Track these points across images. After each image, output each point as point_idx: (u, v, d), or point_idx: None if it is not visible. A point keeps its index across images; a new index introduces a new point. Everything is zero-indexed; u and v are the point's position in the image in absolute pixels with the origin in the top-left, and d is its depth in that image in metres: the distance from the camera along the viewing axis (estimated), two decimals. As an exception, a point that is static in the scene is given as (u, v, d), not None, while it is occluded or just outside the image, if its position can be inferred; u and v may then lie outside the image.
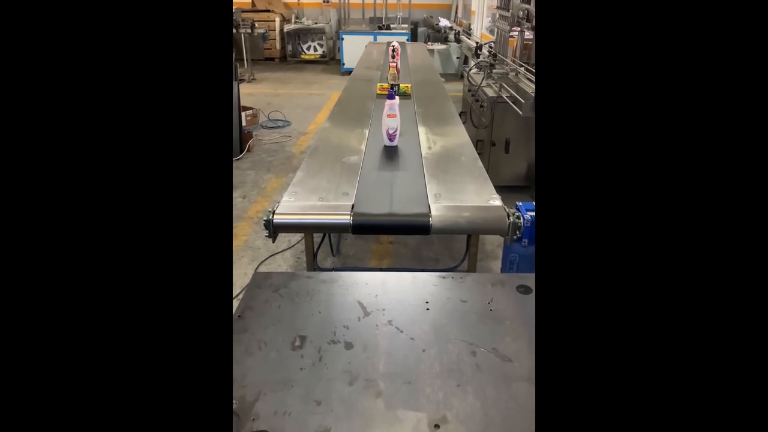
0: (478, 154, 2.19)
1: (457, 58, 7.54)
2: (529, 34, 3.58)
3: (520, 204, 1.63)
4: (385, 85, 3.27)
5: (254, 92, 6.42)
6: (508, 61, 3.77)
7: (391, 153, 2.14)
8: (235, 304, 1.12)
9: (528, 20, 3.36)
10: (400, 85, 3.26)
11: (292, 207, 1.64)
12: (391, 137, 2.14)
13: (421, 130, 2.45)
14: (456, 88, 5.50)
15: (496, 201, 1.68)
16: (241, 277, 2.64)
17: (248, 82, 7.10)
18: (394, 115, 2.10)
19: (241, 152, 4.32)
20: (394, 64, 3.32)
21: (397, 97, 2.12)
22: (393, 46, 3.31)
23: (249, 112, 5.00)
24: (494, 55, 4.01)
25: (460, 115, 2.87)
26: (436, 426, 0.83)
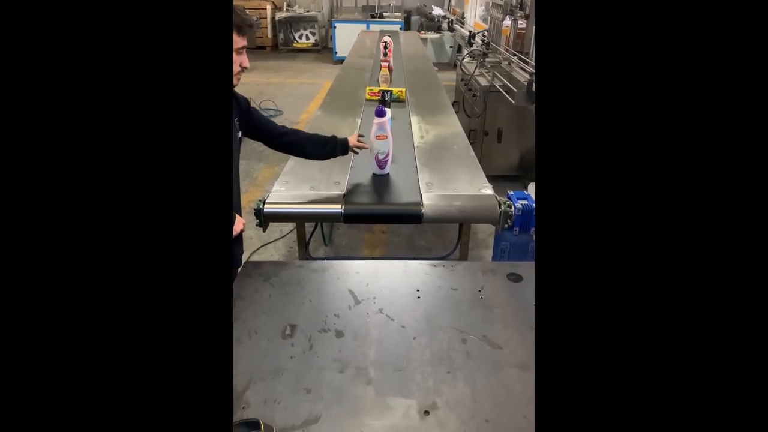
0: (471, 143, 2.19)
1: (450, 47, 7.50)
2: (522, 23, 3.56)
3: (512, 193, 1.63)
4: (375, 89, 2.73)
5: (245, 81, 6.30)
6: (501, 50, 3.76)
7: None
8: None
9: (521, 9, 3.34)
10: (393, 89, 2.70)
11: (283, 196, 1.64)
12: (381, 164, 1.68)
13: (414, 120, 2.44)
14: (449, 78, 5.47)
15: (488, 190, 1.68)
16: (233, 267, 2.63)
17: (239, 70, 7.01)
18: (385, 137, 1.63)
19: (233, 142, 4.28)
20: (386, 64, 2.92)
21: (388, 112, 1.68)
22: (385, 41, 3.03)
23: (240, 101, 4.94)
24: (487, 44, 3.99)
25: (453, 104, 2.86)
26: (426, 412, 0.83)
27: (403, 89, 2.75)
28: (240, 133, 1.42)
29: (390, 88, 2.73)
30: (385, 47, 3.05)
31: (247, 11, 1.23)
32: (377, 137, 1.63)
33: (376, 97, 2.56)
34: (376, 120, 1.63)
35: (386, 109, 1.79)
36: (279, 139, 1.54)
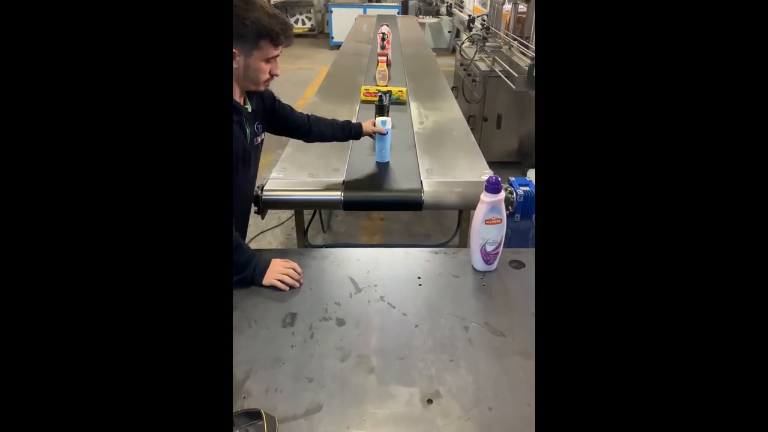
0: (470, 129, 2.16)
1: (449, 31, 7.41)
2: (522, 7, 3.50)
3: (513, 179, 1.61)
4: (372, 88, 2.35)
5: (242, 67, 6.26)
6: (501, 34, 3.70)
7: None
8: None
9: (521, -8, 3.29)
10: (393, 89, 2.30)
11: (281, 183, 1.62)
12: (488, 258, 1.17)
13: (413, 105, 2.41)
14: (447, 63, 5.41)
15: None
16: (231, 254, 2.62)
17: (235, 56, 6.92)
18: (499, 221, 1.14)
19: (229, 129, 4.24)
20: (385, 58, 2.57)
21: (502, 191, 1.14)
22: (383, 32, 2.69)
23: (236, 87, 4.88)
24: (487, 29, 3.93)
25: (452, 90, 2.82)
26: (429, 401, 0.82)
27: (404, 89, 2.36)
28: (261, 137, 1.35)
29: (389, 88, 2.32)
30: (383, 38, 2.67)
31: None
32: (486, 221, 1.13)
33: (373, 98, 2.03)
34: (487, 197, 1.12)
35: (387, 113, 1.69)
36: (308, 129, 1.56)
